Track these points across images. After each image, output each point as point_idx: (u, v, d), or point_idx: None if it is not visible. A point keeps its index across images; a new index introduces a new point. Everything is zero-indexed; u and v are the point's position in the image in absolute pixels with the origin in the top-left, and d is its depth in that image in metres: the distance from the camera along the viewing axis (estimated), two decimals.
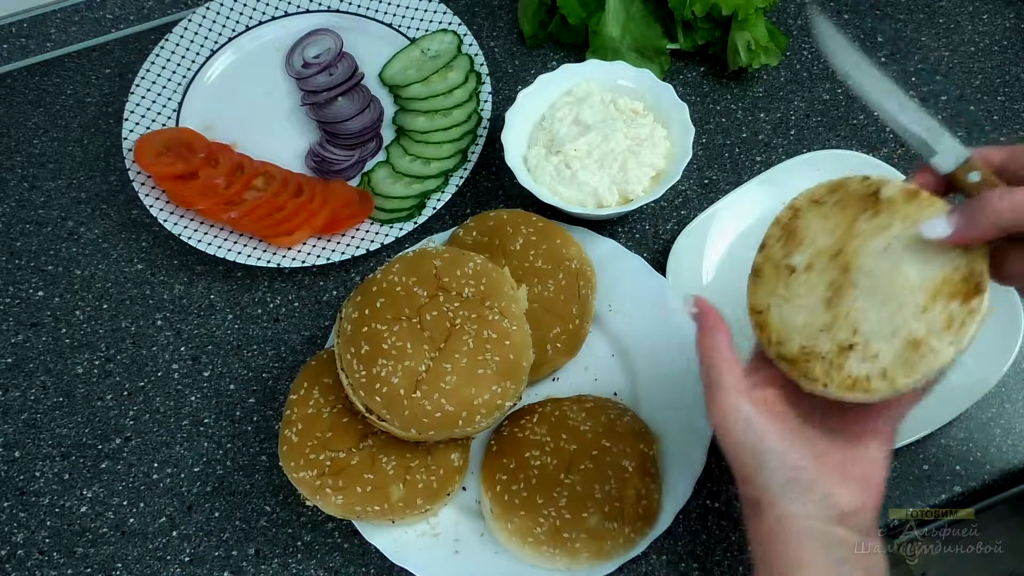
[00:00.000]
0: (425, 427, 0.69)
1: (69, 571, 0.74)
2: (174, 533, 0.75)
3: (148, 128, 0.92)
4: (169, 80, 0.96)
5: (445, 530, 0.72)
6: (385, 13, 1.01)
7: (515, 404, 0.73)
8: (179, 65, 0.97)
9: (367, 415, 0.70)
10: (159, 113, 0.94)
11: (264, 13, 1.01)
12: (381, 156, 0.93)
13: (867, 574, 0.54)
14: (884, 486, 0.56)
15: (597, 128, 0.85)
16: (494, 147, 0.87)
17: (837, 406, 0.56)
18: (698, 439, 0.73)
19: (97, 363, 0.83)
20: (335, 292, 0.87)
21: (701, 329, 0.58)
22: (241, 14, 1.01)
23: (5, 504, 0.77)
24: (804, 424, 0.56)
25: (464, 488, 0.74)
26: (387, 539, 0.70)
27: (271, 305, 0.86)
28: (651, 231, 0.89)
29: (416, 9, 1.00)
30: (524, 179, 0.83)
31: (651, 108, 0.88)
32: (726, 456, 0.57)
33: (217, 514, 0.76)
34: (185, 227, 0.86)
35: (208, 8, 1.00)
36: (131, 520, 0.76)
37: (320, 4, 1.02)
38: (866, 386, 0.53)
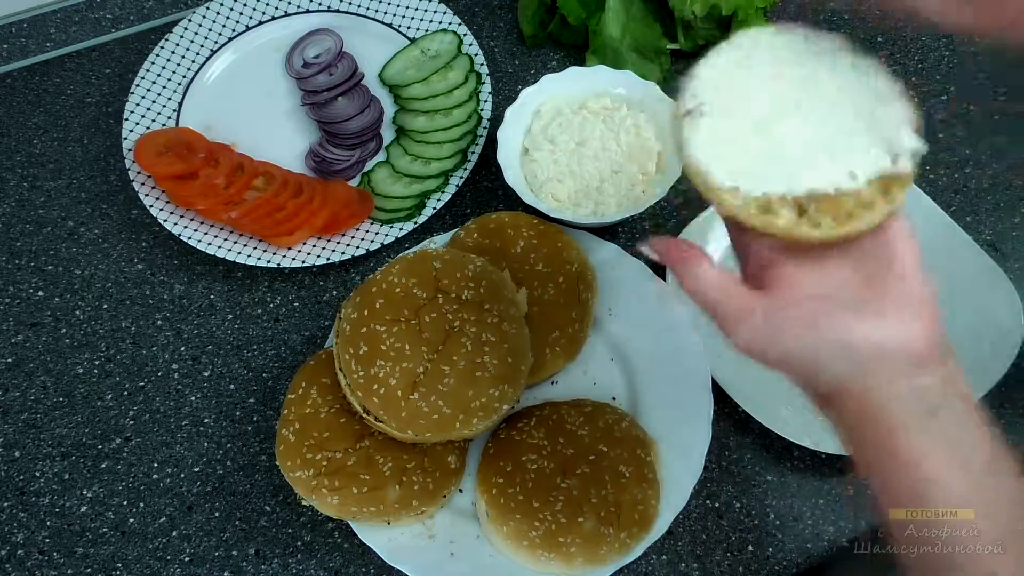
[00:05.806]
0: (422, 428, 0.69)
1: (69, 571, 0.74)
2: (174, 533, 0.75)
3: (148, 128, 0.92)
4: (169, 80, 0.96)
5: (441, 532, 0.72)
6: (385, 13, 1.01)
7: (513, 407, 0.73)
8: (179, 65, 0.97)
9: (364, 415, 0.70)
10: (159, 113, 0.94)
11: (264, 13, 1.01)
12: (381, 156, 0.93)
13: (962, 413, 0.49)
14: (933, 299, 0.49)
15: (575, 139, 0.86)
16: (494, 147, 0.86)
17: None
18: (696, 445, 0.73)
19: (97, 363, 0.83)
20: (335, 292, 0.87)
21: (677, 265, 0.51)
22: (241, 14, 1.01)
23: (5, 504, 0.77)
24: (822, 296, 0.49)
25: (460, 490, 0.74)
26: (383, 540, 0.70)
27: (271, 305, 0.86)
28: (651, 231, 0.88)
29: (416, 9, 1.00)
30: (511, 178, 0.84)
31: (636, 105, 0.88)
32: (778, 371, 0.51)
33: (217, 514, 0.76)
34: (185, 227, 0.86)
35: (208, 8, 1.00)
36: (131, 520, 0.76)
37: (320, 4, 1.02)
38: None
